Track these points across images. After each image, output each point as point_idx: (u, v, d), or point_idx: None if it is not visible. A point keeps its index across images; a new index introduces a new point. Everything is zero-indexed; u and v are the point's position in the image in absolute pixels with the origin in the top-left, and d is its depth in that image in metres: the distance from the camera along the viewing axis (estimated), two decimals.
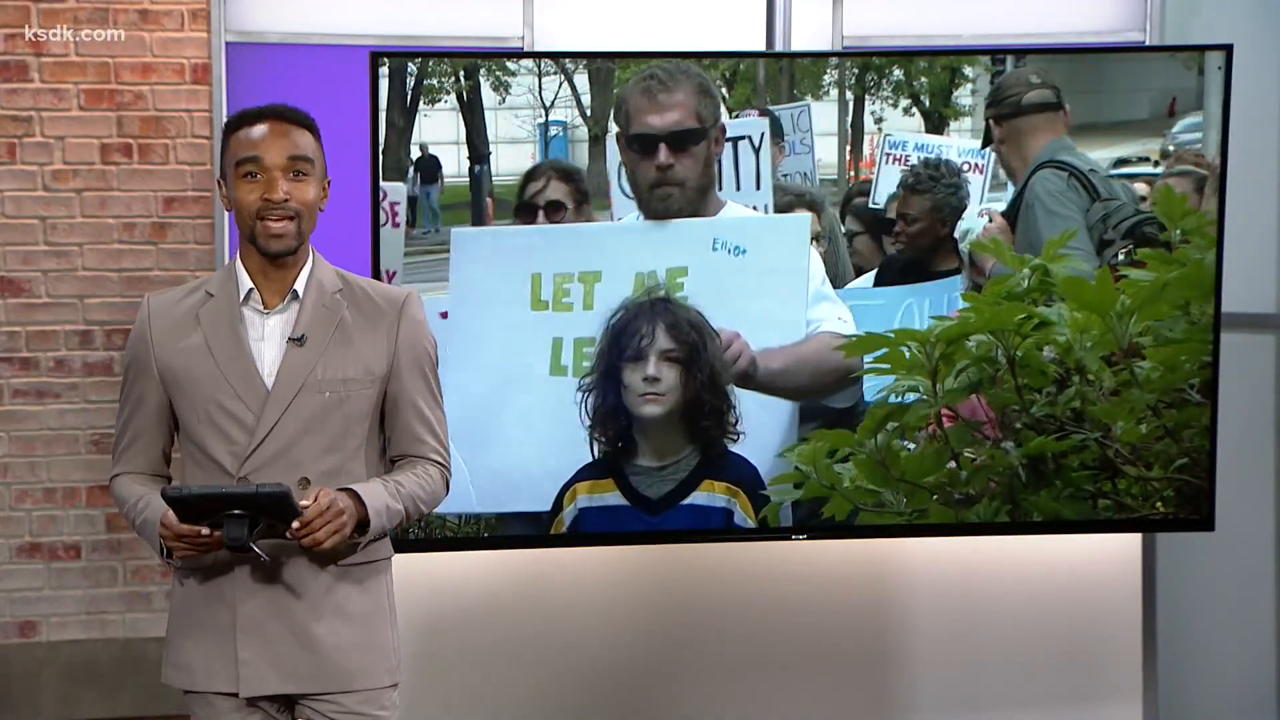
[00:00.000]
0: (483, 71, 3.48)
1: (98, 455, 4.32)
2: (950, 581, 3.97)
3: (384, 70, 3.41)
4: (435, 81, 3.48)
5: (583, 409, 3.45)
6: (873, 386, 3.54)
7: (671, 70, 3.42)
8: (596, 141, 3.50)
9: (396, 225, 3.47)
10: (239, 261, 2.45)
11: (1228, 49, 3.54)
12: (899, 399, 3.51)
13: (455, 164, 3.50)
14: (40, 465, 4.33)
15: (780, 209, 3.52)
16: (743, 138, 3.53)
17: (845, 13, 3.92)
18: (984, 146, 3.56)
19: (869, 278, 3.59)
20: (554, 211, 3.49)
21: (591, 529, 3.52)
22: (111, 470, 2.53)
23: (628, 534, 3.56)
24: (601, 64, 3.50)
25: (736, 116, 3.51)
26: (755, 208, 3.52)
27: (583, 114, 3.51)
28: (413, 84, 3.45)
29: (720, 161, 3.51)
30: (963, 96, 3.59)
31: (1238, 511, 3.96)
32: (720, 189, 3.50)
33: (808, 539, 3.63)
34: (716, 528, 3.53)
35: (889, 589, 3.98)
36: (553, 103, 3.51)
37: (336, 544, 2.32)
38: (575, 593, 3.88)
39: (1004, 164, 3.56)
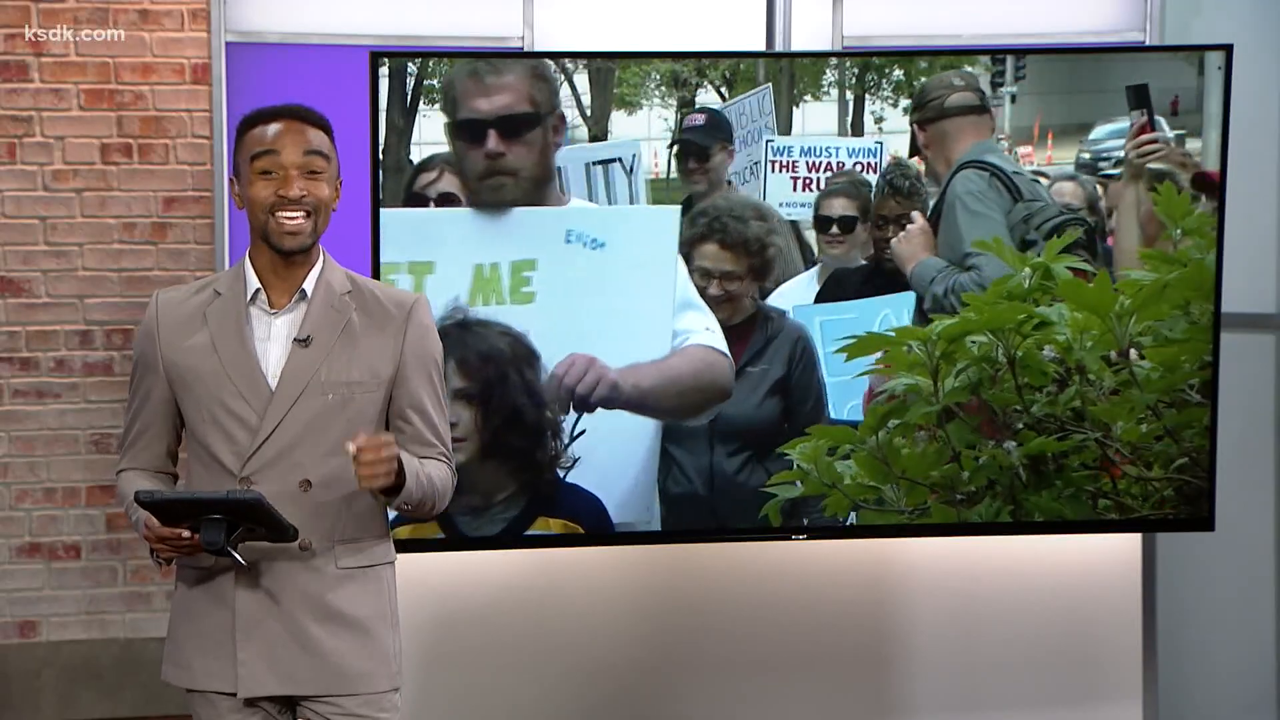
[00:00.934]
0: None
1: (98, 455, 4.32)
2: (950, 581, 3.97)
3: (384, 70, 3.41)
4: (435, 81, 3.47)
5: None
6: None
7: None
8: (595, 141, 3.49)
9: None
10: (248, 261, 2.44)
11: (1228, 49, 3.54)
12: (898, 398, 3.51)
13: None
14: (40, 465, 4.33)
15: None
16: (613, 160, 3.30)
17: (845, 13, 3.92)
18: (911, 155, 3.53)
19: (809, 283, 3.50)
20: (445, 204, 3.27)
21: None
22: (117, 465, 2.54)
23: (629, 534, 3.56)
24: (601, 64, 3.50)
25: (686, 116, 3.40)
26: None
27: (582, 114, 3.50)
28: (413, 84, 3.45)
29: (591, 181, 3.28)
30: None
31: (1238, 511, 3.97)
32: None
33: (808, 539, 3.63)
34: (719, 529, 3.54)
35: (889, 589, 3.98)
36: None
37: (384, 483, 2.26)
38: (577, 594, 3.88)
39: (930, 168, 3.53)
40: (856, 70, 3.56)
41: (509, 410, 3.22)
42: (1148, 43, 3.95)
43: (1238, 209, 3.67)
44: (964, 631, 4.00)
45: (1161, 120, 3.52)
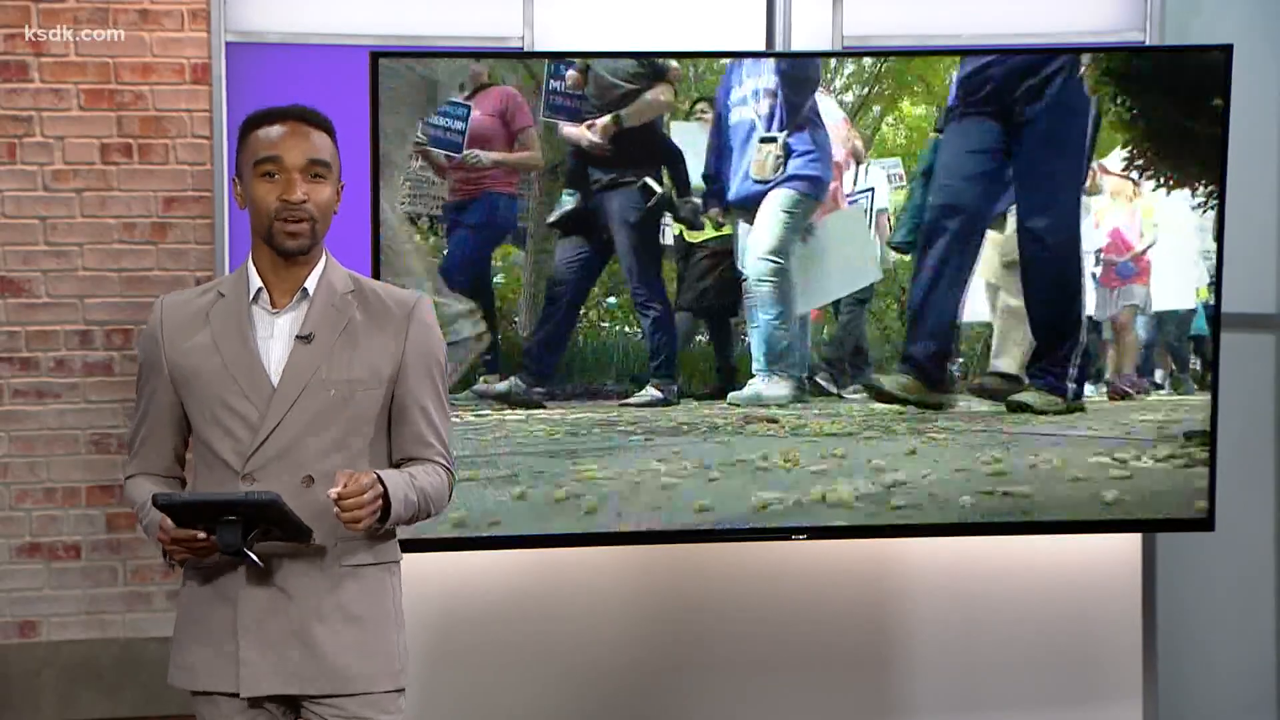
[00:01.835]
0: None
1: (98, 455, 4.32)
2: (950, 581, 3.97)
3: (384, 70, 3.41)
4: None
5: None
6: None
7: None
8: None
9: None
10: (250, 261, 2.45)
11: (1228, 49, 3.54)
12: None
13: None
14: (40, 465, 4.33)
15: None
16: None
17: (845, 13, 3.92)
18: None
19: None
20: None
21: None
22: (126, 470, 2.54)
23: (631, 534, 3.57)
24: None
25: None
26: None
27: None
28: None
29: None
30: None
31: (1238, 511, 3.97)
32: None
33: (808, 539, 3.63)
34: (719, 529, 3.54)
35: (889, 589, 3.98)
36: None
37: (369, 526, 2.30)
38: (582, 595, 3.88)
39: None
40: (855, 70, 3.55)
41: None
42: (1148, 43, 3.95)
43: (1238, 209, 3.67)
44: (964, 632, 4.00)
45: None
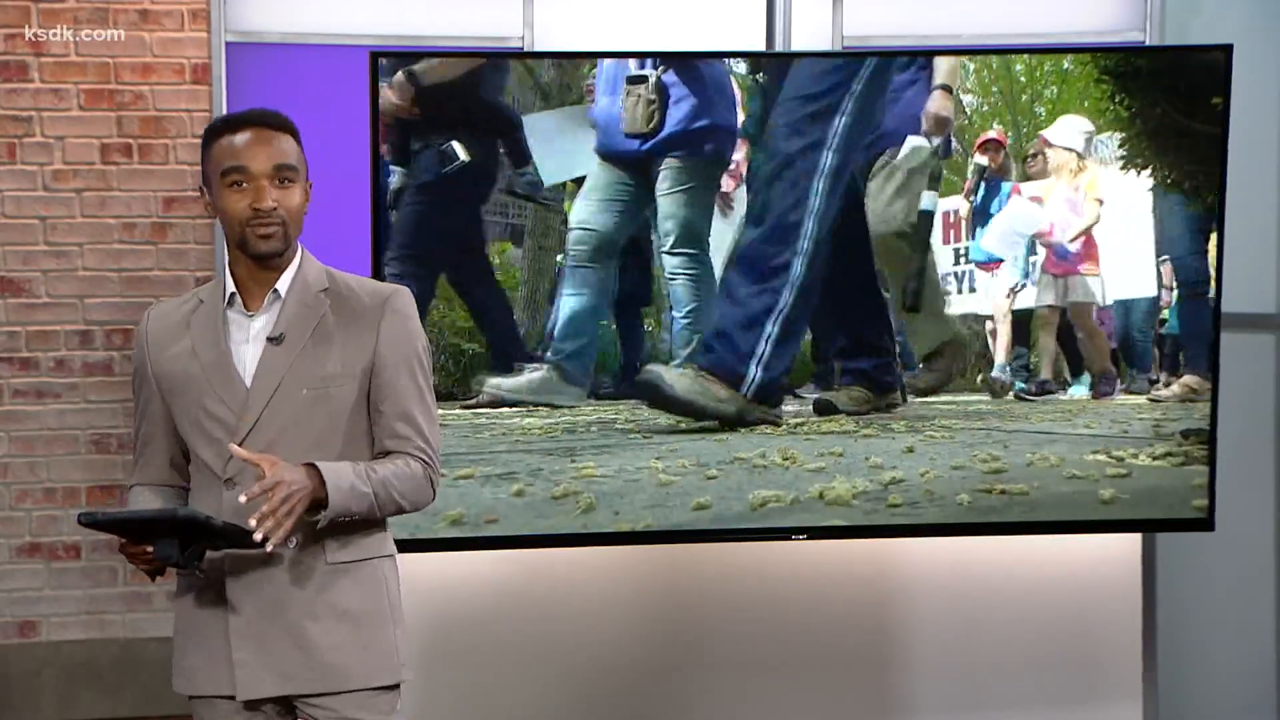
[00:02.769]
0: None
1: (98, 455, 4.32)
2: (950, 581, 3.97)
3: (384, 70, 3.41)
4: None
5: None
6: None
7: None
8: None
9: None
10: (227, 267, 2.46)
11: (1228, 49, 3.54)
12: None
13: None
14: (40, 465, 4.33)
15: None
16: None
17: (845, 13, 3.92)
18: None
19: None
20: None
21: None
22: (129, 480, 2.57)
23: (631, 534, 3.56)
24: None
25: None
26: None
27: None
28: None
29: None
30: None
31: (1238, 511, 3.96)
32: None
33: (808, 539, 3.63)
34: (719, 529, 3.54)
35: (889, 589, 3.97)
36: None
37: (293, 526, 2.26)
38: (580, 593, 3.88)
39: None
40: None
41: None
42: (1148, 43, 3.95)
43: (1238, 209, 3.66)
44: (964, 632, 4.00)
45: None
